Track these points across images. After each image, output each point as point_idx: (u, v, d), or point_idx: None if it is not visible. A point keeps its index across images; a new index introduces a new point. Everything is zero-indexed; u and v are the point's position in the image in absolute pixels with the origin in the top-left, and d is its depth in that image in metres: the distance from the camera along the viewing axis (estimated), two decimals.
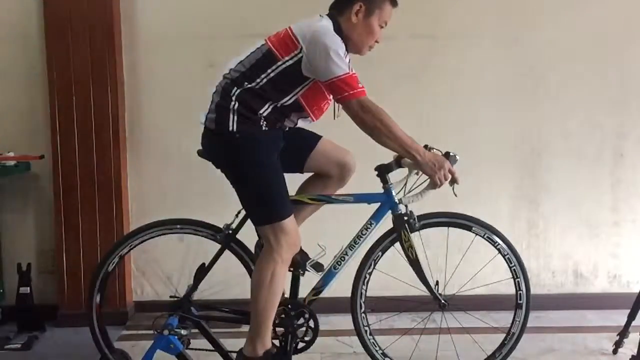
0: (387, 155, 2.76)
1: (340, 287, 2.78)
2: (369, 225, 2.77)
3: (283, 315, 2.74)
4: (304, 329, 2.75)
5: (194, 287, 2.76)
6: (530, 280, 2.88)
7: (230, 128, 2.55)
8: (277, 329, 2.75)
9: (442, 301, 2.78)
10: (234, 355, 2.79)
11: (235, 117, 2.55)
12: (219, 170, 2.69)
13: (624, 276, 3.96)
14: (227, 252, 2.77)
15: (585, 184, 3.89)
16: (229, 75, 2.62)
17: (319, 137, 2.82)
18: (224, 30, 3.65)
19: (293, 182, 2.76)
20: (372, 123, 2.52)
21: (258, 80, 2.56)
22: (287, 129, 2.71)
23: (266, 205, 2.60)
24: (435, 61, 3.78)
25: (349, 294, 2.82)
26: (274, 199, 2.60)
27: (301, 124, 2.69)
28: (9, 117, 3.69)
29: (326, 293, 2.76)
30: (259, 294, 2.59)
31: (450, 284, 2.86)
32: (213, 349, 2.80)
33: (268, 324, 2.64)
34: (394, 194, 2.74)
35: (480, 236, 2.82)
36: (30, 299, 3.62)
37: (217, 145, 2.63)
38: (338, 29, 2.56)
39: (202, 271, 2.75)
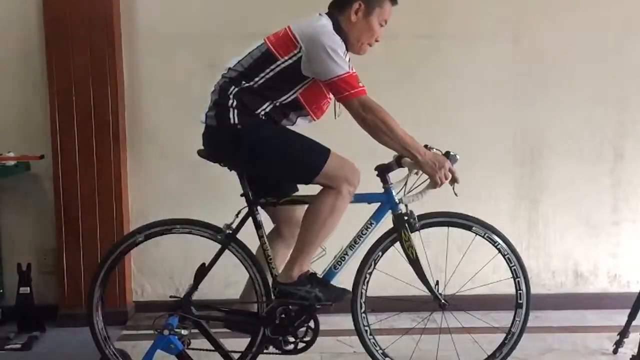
0: (387, 155, 2.76)
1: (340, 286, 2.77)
2: (369, 225, 2.76)
3: (283, 315, 2.73)
4: (304, 329, 2.75)
5: (194, 287, 2.76)
6: (530, 280, 2.88)
7: (232, 121, 2.56)
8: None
9: (443, 301, 2.78)
10: (235, 355, 2.79)
11: (235, 111, 2.56)
12: (218, 169, 2.70)
13: (624, 276, 3.96)
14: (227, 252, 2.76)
15: (585, 184, 3.88)
16: (227, 74, 2.62)
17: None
18: (224, 30, 3.64)
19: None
20: (372, 122, 2.53)
21: (256, 79, 2.56)
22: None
23: (300, 164, 2.60)
24: (435, 61, 3.77)
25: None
26: (302, 154, 2.60)
27: (300, 123, 2.69)
28: (8, 117, 3.68)
29: None
30: (314, 223, 2.60)
31: (450, 284, 2.86)
32: (213, 349, 2.79)
33: (311, 253, 2.67)
34: (394, 193, 2.74)
35: (481, 236, 2.82)
36: (30, 299, 3.61)
37: (222, 141, 2.62)
38: (338, 28, 2.56)
39: (202, 271, 2.74)
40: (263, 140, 2.58)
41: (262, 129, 2.58)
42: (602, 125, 3.87)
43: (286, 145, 2.60)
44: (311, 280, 2.68)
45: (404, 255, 2.76)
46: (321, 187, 2.64)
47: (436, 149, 2.68)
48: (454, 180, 2.65)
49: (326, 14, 2.63)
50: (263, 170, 2.66)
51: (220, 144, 2.65)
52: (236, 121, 2.56)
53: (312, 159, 2.59)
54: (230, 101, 2.56)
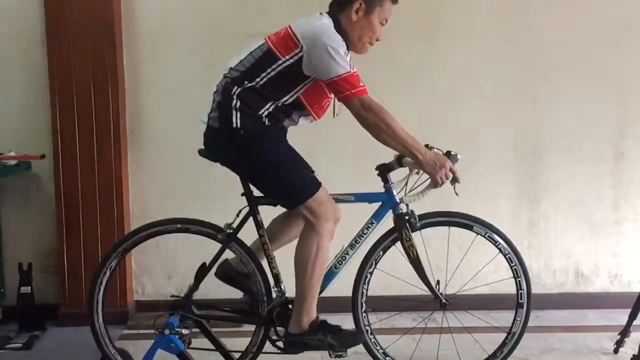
0: (387, 154, 2.76)
1: (341, 286, 2.78)
2: (369, 225, 2.77)
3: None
4: None
5: (194, 287, 2.76)
6: (531, 280, 2.88)
7: (234, 125, 2.55)
8: (278, 328, 2.75)
9: (443, 300, 2.78)
10: (235, 354, 2.80)
11: (238, 114, 2.56)
12: (219, 168, 2.70)
13: (625, 275, 3.95)
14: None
15: (586, 183, 3.88)
16: (229, 74, 2.62)
17: None
18: (224, 30, 3.65)
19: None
20: (374, 122, 2.53)
21: (258, 79, 2.56)
22: (287, 128, 2.72)
23: (290, 188, 2.61)
24: (435, 61, 3.77)
25: (349, 293, 2.82)
26: (295, 180, 2.61)
27: (302, 122, 2.70)
28: (9, 116, 3.69)
29: (327, 292, 2.76)
30: (305, 269, 2.60)
31: (451, 284, 2.86)
32: (214, 348, 2.80)
33: (314, 297, 2.65)
34: (395, 193, 2.75)
35: (481, 235, 2.82)
36: (31, 298, 3.61)
37: (223, 143, 2.62)
38: (338, 27, 2.56)
39: (202, 271, 2.75)
40: (262, 152, 2.59)
41: (263, 139, 2.58)
42: (602, 125, 3.86)
43: (282, 165, 2.61)
44: (322, 328, 2.67)
45: (405, 255, 2.76)
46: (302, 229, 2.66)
47: (437, 149, 2.68)
48: (454, 180, 2.65)
49: (327, 13, 2.63)
50: (256, 178, 2.67)
51: (220, 145, 2.65)
52: (238, 125, 2.55)
53: (302, 187, 2.59)
54: (234, 102, 2.56)
